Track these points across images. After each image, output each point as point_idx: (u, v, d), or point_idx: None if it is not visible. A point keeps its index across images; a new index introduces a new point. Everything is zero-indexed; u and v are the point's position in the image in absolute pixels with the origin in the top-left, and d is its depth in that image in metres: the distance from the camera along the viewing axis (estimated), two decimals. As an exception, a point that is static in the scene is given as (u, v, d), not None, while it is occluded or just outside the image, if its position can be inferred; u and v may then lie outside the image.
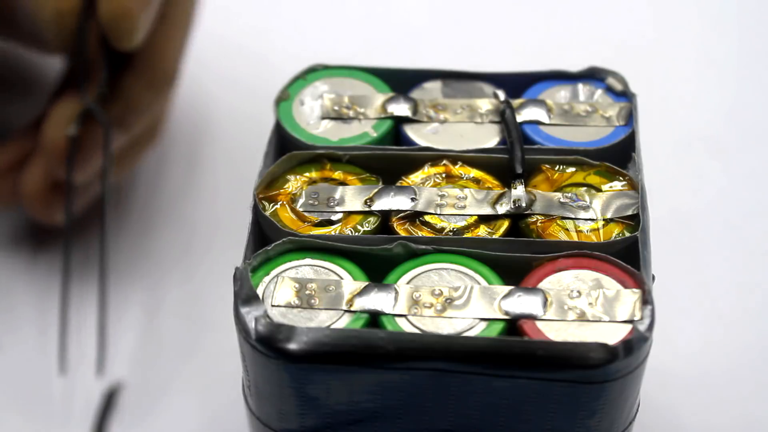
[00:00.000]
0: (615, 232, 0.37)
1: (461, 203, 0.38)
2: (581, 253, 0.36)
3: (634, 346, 0.33)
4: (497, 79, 0.42)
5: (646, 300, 0.34)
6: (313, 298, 0.35)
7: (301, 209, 0.38)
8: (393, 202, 0.38)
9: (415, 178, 0.39)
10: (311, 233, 0.37)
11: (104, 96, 0.41)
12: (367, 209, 0.38)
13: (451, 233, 0.37)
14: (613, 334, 0.34)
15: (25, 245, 0.50)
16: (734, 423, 0.44)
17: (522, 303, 0.35)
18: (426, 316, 0.35)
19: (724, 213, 0.51)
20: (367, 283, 0.35)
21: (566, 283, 0.35)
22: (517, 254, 0.36)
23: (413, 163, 0.39)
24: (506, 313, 0.34)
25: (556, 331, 0.34)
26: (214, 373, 0.45)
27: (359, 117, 0.41)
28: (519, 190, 0.38)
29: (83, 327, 0.46)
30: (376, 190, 0.38)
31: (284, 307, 0.35)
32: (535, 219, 0.37)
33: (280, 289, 0.35)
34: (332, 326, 0.34)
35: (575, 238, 0.37)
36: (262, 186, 0.38)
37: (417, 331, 0.34)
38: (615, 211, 0.37)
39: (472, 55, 0.55)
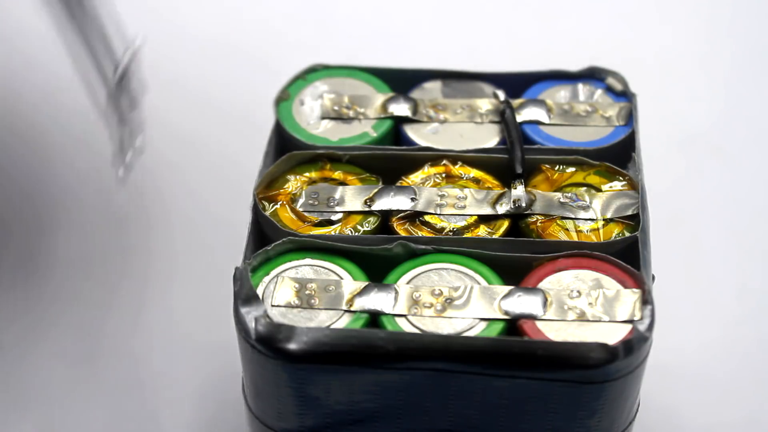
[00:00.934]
0: (615, 232, 0.37)
1: (461, 203, 0.38)
2: (581, 253, 0.36)
3: (634, 346, 0.33)
4: (497, 79, 0.42)
5: (646, 300, 0.34)
6: (313, 298, 0.35)
7: (301, 209, 0.38)
8: (393, 202, 0.38)
9: (415, 178, 0.39)
10: (311, 233, 0.37)
11: None
12: (367, 209, 0.38)
13: (451, 233, 0.37)
14: (613, 334, 0.34)
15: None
16: (734, 422, 0.44)
17: (522, 303, 0.35)
18: (426, 316, 0.35)
19: (724, 213, 0.51)
20: (367, 283, 0.35)
21: (566, 283, 0.35)
22: (517, 254, 0.36)
23: (413, 163, 0.39)
24: (506, 313, 0.34)
25: (556, 331, 0.34)
26: (213, 373, 0.45)
27: (359, 117, 0.41)
28: (519, 190, 0.38)
29: None
30: (376, 190, 0.38)
31: (284, 307, 0.35)
32: (535, 219, 0.37)
33: (280, 289, 0.35)
34: (332, 326, 0.34)
35: (575, 238, 0.37)
36: (262, 186, 0.38)
37: (417, 331, 0.34)
38: (615, 211, 0.37)
39: (472, 55, 0.55)
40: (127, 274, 0.48)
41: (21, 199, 0.52)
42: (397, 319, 0.35)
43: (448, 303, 0.35)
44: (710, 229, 0.50)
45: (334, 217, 0.38)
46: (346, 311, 0.35)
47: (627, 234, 0.37)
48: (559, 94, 0.42)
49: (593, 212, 0.37)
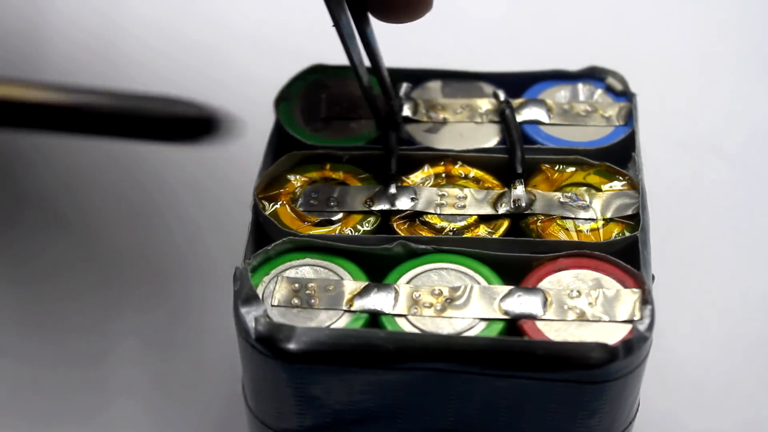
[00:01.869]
0: (615, 231, 0.37)
1: (461, 203, 0.38)
2: (581, 253, 0.36)
3: (634, 345, 0.33)
4: (497, 79, 0.42)
5: (646, 300, 0.34)
6: (313, 297, 0.35)
7: (301, 209, 0.38)
8: (393, 202, 0.38)
9: (415, 178, 0.39)
10: (311, 233, 0.37)
11: None
12: (367, 209, 0.38)
13: (451, 233, 0.37)
14: (613, 334, 0.34)
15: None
16: (734, 423, 0.44)
17: (522, 303, 0.35)
18: (426, 315, 0.35)
19: (725, 212, 0.51)
20: (367, 283, 0.35)
21: (566, 282, 0.35)
22: (517, 254, 0.36)
23: (413, 163, 0.39)
24: (506, 313, 0.34)
25: (556, 331, 0.34)
26: (213, 373, 0.45)
27: (359, 117, 0.41)
28: (519, 190, 0.38)
29: None
30: (376, 190, 0.38)
31: (284, 306, 0.35)
32: (535, 219, 0.37)
33: (280, 288, 0.35)
34: (332, 326, 0.34)
35: (575, 238, 0.37)
36: (262, 186, 0.38)
37: (417, 331, 0.34)
38: (615, 210, 0.37)
39: (472, 55, 0.55)
40: (127, 274, 0.48)
41: (21, 199, 0.51)
42: (397, 319, 0.35)
43: (448, 303, 0.35)
44: (711, 230, 0.50)
45: (334, 217, 0.38)
46: (346, 311, 0.35)
47: (627, 234, 0.37)
48: (559, 94, 0.42)
49: (593, 212, 0.37)
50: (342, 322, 0.35)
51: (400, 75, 0.41)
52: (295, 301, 0.35)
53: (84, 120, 0.30)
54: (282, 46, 0.57)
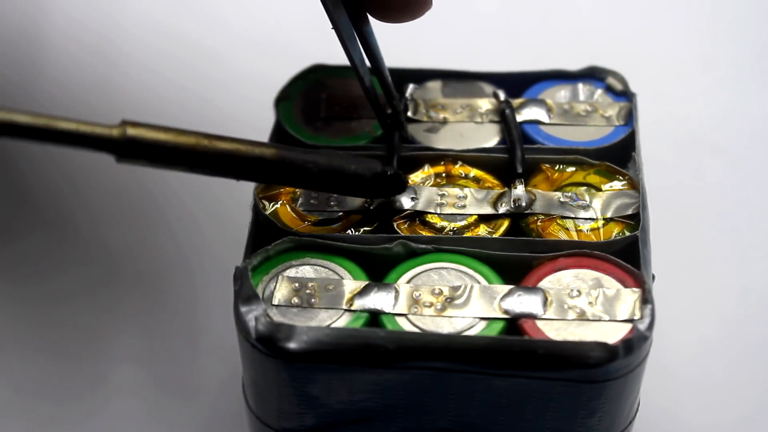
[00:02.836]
0: (615, 231, 0.37)
1: (461, 203, 0.38)
2: (581, 253, 0.36)
3: (634, 345, 0.33)
4: (497, 79, 0.42)
5: (646, 299, 0.34)
6: (313, 297, 0.35)
7: (301, 208, 0.38)
8: (393, 201, 0.38)
9: (415, 177, 0.39)
10: (311, 232, 0.37)
11: None
12: (367, 209, 0.38)
13: (451, 233, 0.37)
14: (613, 333, 0.34)
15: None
16: (734, 422, 0.44)
17: (522, 302, 0.35)
18: (426, 315, 0.35)
19: (725, 212, 0.51)
20: (367, 283, 0.35)
21: (566, 282, 0.35)
22: (517, 253, 0.36)
23: (413, 163, 0.39)
24: (506, 313, 0.34)
25: (557, 330, 0.34)
26: (213, 373, 0.45)
27: (360, 116, 0.41)
28: (519, 190, 0.38)
29: None
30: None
31: (284, 306, 0.35)
32: (535, 218, 0.37)
33: (280, 288, 0.35)
34: (332, 325, 0.34)
35: (575, 238, 0.37)
36: (262, 185, 0.38)
37: (417, 330, 0.34)
38: (615, 210, 0.37)
39: (472, 55, 0.55)
40: (127, 273, 0.48)
41: (21, 199, 0.51)
42: (398, 318, 0.35)
43: (448, 302, 0.35)
44: (711, 229, 0.50)
45: (334, 217, 0.38)
46: (346, 310, 0.35)
47: (627, 233, 0.37)
48: (559, 94, 0.42)
49: (593, 212, 0.37)
50: (342, 321, 0.35)
51: (401, 75, 0.41)
52: (296, 300, 0.35)
53: (296, 176, 0.35)
54: (282, 45, 0.57)
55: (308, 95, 0.42)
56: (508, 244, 0.36)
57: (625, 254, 0.36)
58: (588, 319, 0.34)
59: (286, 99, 0.42)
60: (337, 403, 0.35)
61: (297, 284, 0.35)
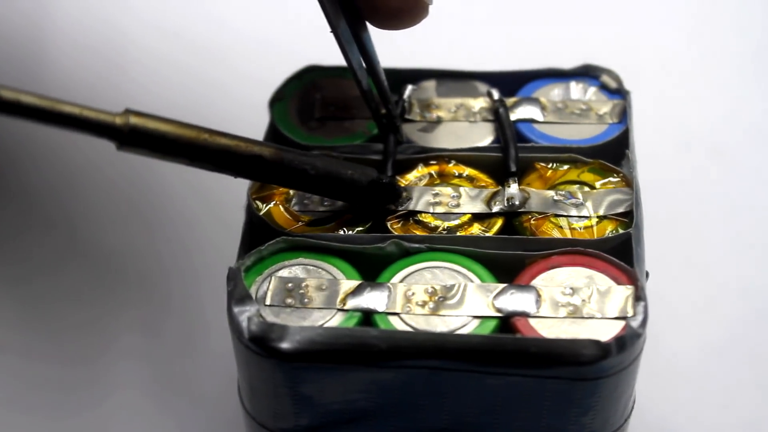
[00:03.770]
0: (608, 229, 0.37)
1: (455, 202, 0.38)
2: (574, 251, 0.36)
3: (627, 342, 0.33)
4: (491, 78, 0.42)
5: (639, 296, 0.34)
6: (306, 297, 0.35)
7: (294, 209, 0.38)
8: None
9: (409, 177, 0.39)
10: (304, 233, 0.37)
11: None
12: (359, 209, 0.38)
13: (444, 232, 0.37)
14: (605, 331, 0.34)
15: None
16: (732, 423, 0.44)
17: (515, 300, 0.35)
18: (419, 314, 0.35)
19: (720, 210, 0.51)
20: (360, 282, 0.35)
21: (559, 280, 0.35)
22: (510, 252, 0.36)
23: (407, 162, 0.39)
24: (499, 311, 0.34)
25: (549, 328, 0.34)
26: (208, 373, 0.45)
27: (354, 117, 0.41)
28: (513, 188, 0.38)
29: None
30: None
31: (277, 306, 0.35)
32: (528, 217, 0.37)
33: (273, 288, 0.35)
34: (325, 325, 0.34)
35: (569, 236, 0.37)
36: (255, 186, 0.38)
37: (410, 329, 0.34)
38: (608, 207, 0.37)
39: (466, 54, 0.55)
40: (121, 273, 0.48)
41: (21, 198, 0.52)
42: (391, 317, 0.35)
43: (441, 301, 0.35)
44: (705, 226, 0.50)
45: (327, 217, 0.38)
46: (339, 310, 0.35)
47: (620, 231, 0.37)
48: (553, 92, 0.42)
49: (587, 209, 0.37)
50: (335, 321, 0.35)
51: (395, 74, 0.41)
52: (289, 300, 0.35)
53: (293, 176, 0.36)
54: (277, 46, 0.57)
55: (303, 96, 0.42)
56: (502, 243, 0.36)
57: (618, 252, 0.36)
58: (581, 317, 0.34)
59: (280, 99, 0.42)
60: (331, 403, 0.35)
61: (290, 284, 0.35)
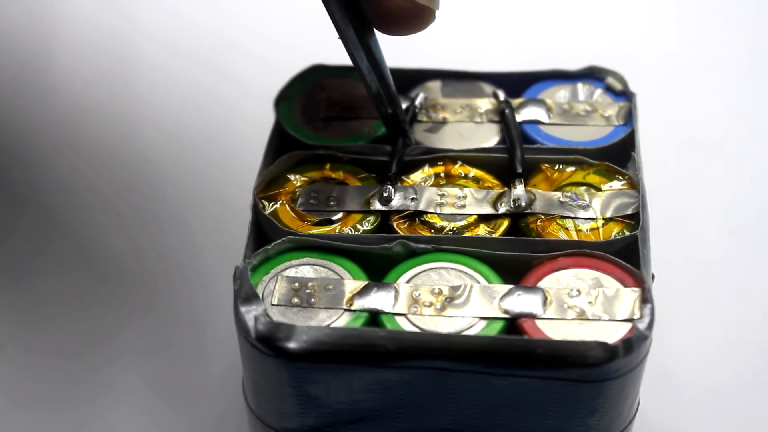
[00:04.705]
0: (615, 231, 0.37)
1: (461, 202, 0.38)
2: (581, 252, 0.36)
3: (634, 344, 0.33)
4: (497, 79, 0.42)
5: (646, 298, 0.34)
6: (313, 297, 0.35)
7: (300, 208, 0.38)
8: (393, 201, 0.38)
9: (415, 177, 0.39)
10: (311, 232, 0.37)
11: None
12: (366, 209, 0.38)
13: (450, 232, 0.37)
14: (612, 333, 0.34)
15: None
16: (734, 422, 0.44)
17: (522, 302, 0.35)
18: (426, 315, 0.35)
19: (725, 212, 0.51)
20: (366, 282, 0.35)
21: (566, 281, 0.35)
22: (516, 253, 0.36)
23: (413, 163, 0.39)
24: (506, 312, 0.34)
25: (556, 329, 0.34)
26: (213, 373, 0.45)
27: (359, 116, 0.41)
28: (519, 190, 0.38)
29: None
30: (376, 190, 0.38)
31: (284, 306, 0.35)
32: (534, 218, 0.37)
33: (280, 288, 0.35)
34: (332, 325, 0.34)
35: (575, 237, 0.37)
36: (262, 185, 0.38)
37: (417, 330, 0.34)
38: (615, 210, 0.37)
39: (472, 55, 0.56)
40: (127, 273, 0.48)
41: (20, 198, 0.52)
42: (397, 318, 0.35)
43: (447, 302, 0.35)
44: (711, 229, 0.50)
45: (333, 217, 0.38)
46: (345, 310, 0.35)
47: (627, 233, 0.37)
48: (559, 94, 0.42)
49: (593, 211, 0.37)
50: (342, 321, 0.35)
51: (400, 75, 0.41)
52: (295, 300, 0.35)
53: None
54: (282, 45, 0.57)
55: (308, 95, 0.42)
56: (508, 244, 0.36)
57: (624, 254, 0.36)
58: (587, 319, 0.34)
59: (285, 99, 0.42)
60: (336, 403, 0.35)
61: (297, 284, 0.35)
